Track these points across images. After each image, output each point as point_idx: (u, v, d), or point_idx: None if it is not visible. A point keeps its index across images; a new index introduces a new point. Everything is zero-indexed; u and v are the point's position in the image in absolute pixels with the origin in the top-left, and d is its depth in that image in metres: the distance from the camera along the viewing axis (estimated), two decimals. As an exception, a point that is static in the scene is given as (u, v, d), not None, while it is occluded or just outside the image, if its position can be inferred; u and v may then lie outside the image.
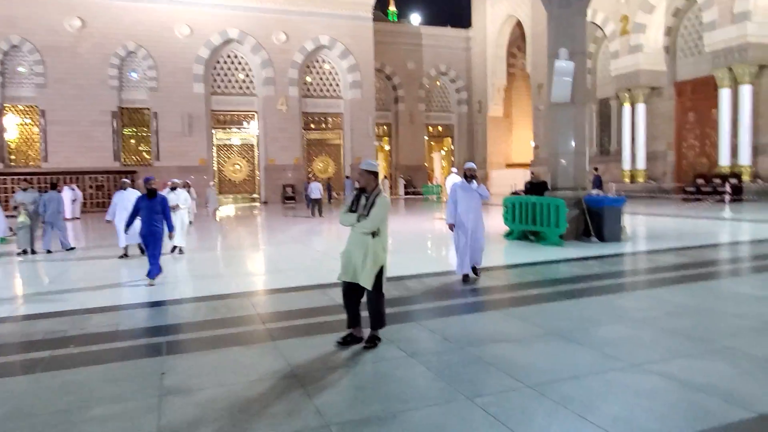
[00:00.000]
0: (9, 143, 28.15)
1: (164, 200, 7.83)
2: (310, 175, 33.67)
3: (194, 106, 30.70)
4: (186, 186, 15.91)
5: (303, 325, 5.34)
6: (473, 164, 7.50)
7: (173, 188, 10.97)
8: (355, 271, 4.48)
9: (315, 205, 21.17)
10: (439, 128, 42.48)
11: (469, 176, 7.23)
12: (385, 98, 39.91)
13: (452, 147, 42.76)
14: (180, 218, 10.54)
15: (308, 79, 33.91)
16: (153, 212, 7.63)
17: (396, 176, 38.46)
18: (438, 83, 41.50)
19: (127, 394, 3.67)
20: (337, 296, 6.26)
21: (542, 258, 8.89)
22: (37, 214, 11.28)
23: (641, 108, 27.35)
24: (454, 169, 17.75)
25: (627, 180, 27.94)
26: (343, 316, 4.77)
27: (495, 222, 12.53)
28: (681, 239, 11.02)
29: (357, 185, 4.61)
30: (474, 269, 7.17)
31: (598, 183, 21.47)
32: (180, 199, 10.75)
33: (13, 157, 28.31)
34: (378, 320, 4.58)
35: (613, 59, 28.26)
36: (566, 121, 11.30)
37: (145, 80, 30.05)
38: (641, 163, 27.62)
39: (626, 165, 28.21)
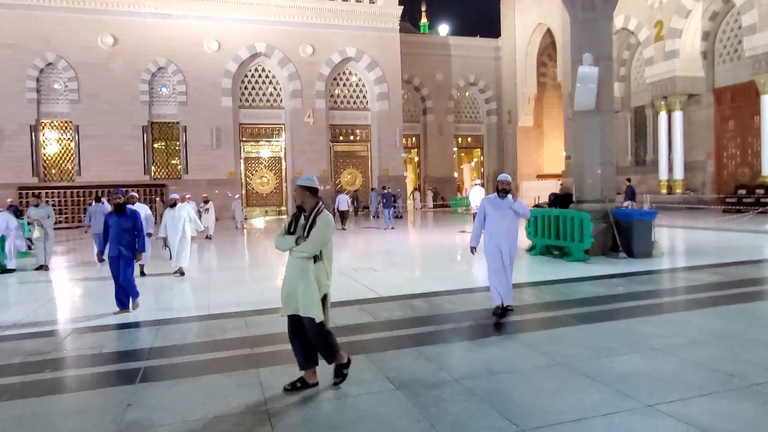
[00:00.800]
0: (45, 158, 28.92)
1: (136, 215, 6.81)
2: (338, 187, 33.57)
3: (222, 120, 31.03)
4: (205, 201, 15.94)
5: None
6: (508, 176, 6.23)
7: (172, 204, 9.95)
8: (297, 302, 3.92)
9: (342, 217, 21.07)
10: (469, 139, 41.93)
11: (501, 190, 6.03)
12: (414, 110, 39.66)
13: (482, 158, 42.13)
14: (181, 236, 9.72)
15: (336, 91, 33.92)
16: (122, 231, 6.60)
17: (425, 188, 38.03)
18: (467, 94, 41.04)
19: (84, 430, 3.38)
20: (340, 317, 5.94)
21: (563, 275, 8.35)
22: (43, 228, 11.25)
23: (678, 116, 26.27)
24: (478, 181, 17.26)
25: (664, 191, 26.81)
26: (345, 338, 4.39)
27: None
28: (719, 255, 10.28)
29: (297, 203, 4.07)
30: (504, 308, 5.90)
31: (630, 194, 20.56)
32: (182, 216, 9.82)
33: (48, 171, 29.05)
34: (329, 353, 3.98)
35: (648, 66, 27.28)
36: (591, 130, 10.73)
37: (174, 95, 30.54)
38: (679, 174, 26.46)
39: (663, 175, 27.09)
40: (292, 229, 4.01)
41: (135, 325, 6.15)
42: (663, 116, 26.92)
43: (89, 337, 5.59)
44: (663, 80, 26.41)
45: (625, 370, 4.10)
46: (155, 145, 30.73)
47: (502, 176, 6.19)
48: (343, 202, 21.69)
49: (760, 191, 20.84)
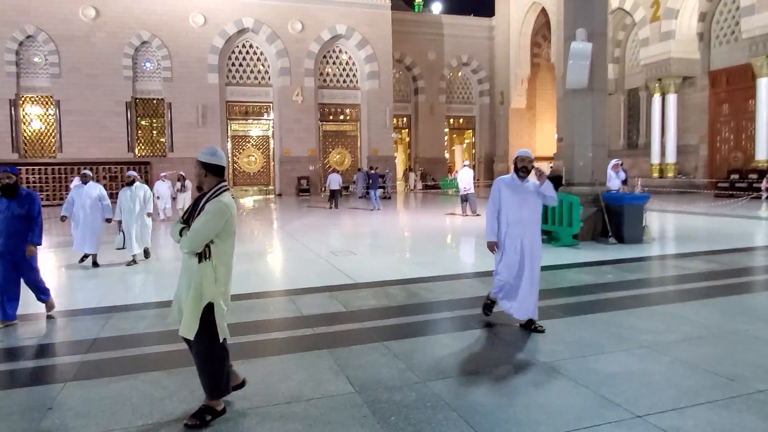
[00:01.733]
0: (25, 134, 28.06)
1: (32, 199, 5.37)
2: (329, 168, 32.98)
3: (208, 97, 30.22)
4: (180, 179, 15.31)
5: (258, 343, 4.53)
6: (529, 152, 4.98)
7: (130, 183, 8.73)
8: (181, 310, 3.18)
9: (333, 196, 21.15)
10: (461, 120, 41.31)
11: (521, 169, 4.79)
12: (405, 89, 38.93)
13: (473, 139, 41.58)
14: (138, 219, 8.66)
15: (328, 70, 33.13)
16: (14, 219, 5.16)
17: (416, 169, 37.52)
18: (459, 74, 40.31)
19: (-11, 439, 2.93)
20: (308, 305, 5.49)
21: (549, 262, 7.92)
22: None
23: (672, 99, 25.82)
24: (467, 162, 16.72)
25: (656, 175, 26.48)
26: (310, 330, 3.93)
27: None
28: (712, 241, 9.91)
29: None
30: (532, 324, 4.70)
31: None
32: (139, 196, 8.72)
33: (28, 147, 28.22)
34: (212, 383, 3.14)
35: (643, 47, 26.73)
36: (583, 110, 10.26)
37: (159, 70, 29.66)
38: (671, 157, 26.11)
39: (655, 159, 26.73)
40: (187, 216, 3.22)
41: (83, 312, 5.66)
42: (657, 99, 26.46)
43: (28, 327, 5.11)
44: (658, 62, 25.89)
45: (612, 371, 3.69)
46: (140, 122, 29.93)
47: (522, 152, 4.94)
48: (335, 181, 21.54)
49: (753, 176, 20.54)
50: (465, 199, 15.88)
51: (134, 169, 27.95)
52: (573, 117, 10.50)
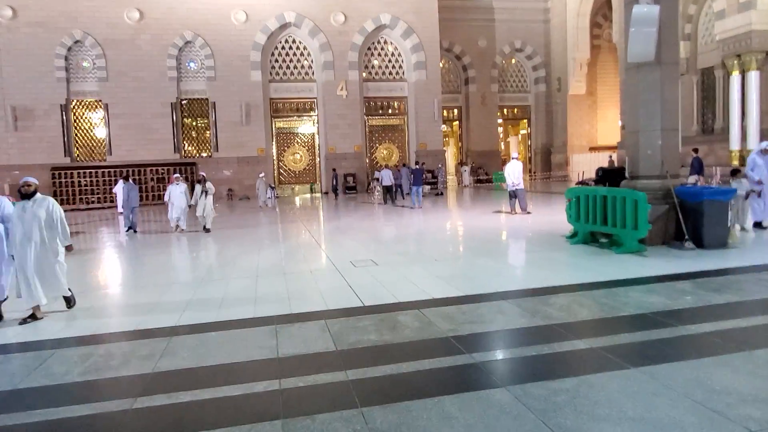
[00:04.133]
0: (76, 138, 28.54)
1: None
2: (377, 164, 31.90)
3: (252, 95, 29.80)
4: (200, 182, 13.80)
5: (181, 407, 3.40)
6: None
7: (27, 194, 5.75)
8: None
9: (387, 192, 20.84)
10: (515, 110, 39.20)
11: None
12: (455, 80, 37.29)
13: (529, 130, 39.37)
14: (40, 250, 5.66)
15: (375, 62, 32.00)
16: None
17: (468, 163, 35.81)
18: (513, 61, 38.22)
19: None
20: (293, 340, 4.28)
21: (608, 275, 6.42)
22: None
23: (754, 76, 22.95)
24: (515, 154, 15.09)
25: (736, 163, 23.67)
26: (269, 385, 2.78)
27: (558, 218, 10.00)
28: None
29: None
30: None
31: (698, 167, 17.83)
32: (39, 216, 5.71)
33: (79, 151, 28.68)
34: None
35: (719, 20, 23.92)
36: (650, 88, 8.56)
37: (203, 70, 29.48)
38: (753, 143, 23.21)
39: (734, 145, 23.91)
40: None
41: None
42: (735, 77, 23.63)
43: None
44: (736, 36, 23.07)
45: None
46: (185, 122, 29.86)
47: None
48: (386, 177, 20.96)
49: None
50: (514, 195, 14.31)
51: (179, 171, 28.11)
52: (637, 97, 8.81)
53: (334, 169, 29.48)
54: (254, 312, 5.52)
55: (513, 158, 14.54)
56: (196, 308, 5.84)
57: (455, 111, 37.71)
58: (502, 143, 40.96)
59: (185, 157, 29.67)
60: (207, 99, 29.58)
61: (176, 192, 13.90)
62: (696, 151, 17.91)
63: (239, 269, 8.13)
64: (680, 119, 9.25)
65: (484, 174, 34.20)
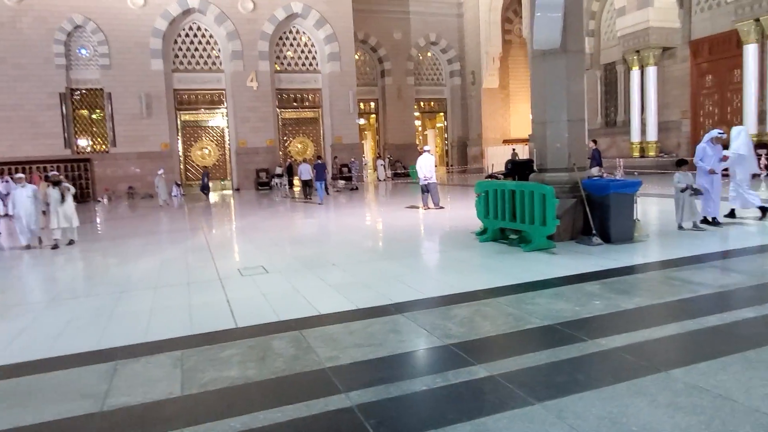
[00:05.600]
0: (-54, 132, 25.22)
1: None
2: (293, 159, 30.62)
3: (153, 85, 27.63)
4: (55, 183, 10.88)
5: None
6: None
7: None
8: None
9: (306, 187, 20.44)
10: (431, 103, 39.20)
11: None
12: (371, 72, 36.66)
13: (445, 123, 39.52)
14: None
15: (288, 53, 30.67)
16: None
17: (384, 156, 35.35)
18: (429, 54, 38.13)
19: None
20: (128, 386, 3.30)
21: (514, 278, 5.93)
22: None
23: (652, 72, 24.01)
24: (427, 147, 14.61)
25: (636, 154, 24.74)
26: None
27: (471, 213, 9.53)
28: (717, 236, 8.02)
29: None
30: None
31: (597, 159, 18.17)
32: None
33: (-50, 147, 25.39)
34: None
35: (620, 17, 24.82)
36: (556, 76, 8.23)
37: (96, 57, 26.95)
38: (652, 135, 24.36)
39: (635, 137, 24.96)
40: None
41: None
42: (635, 72, 24.64)
43: None
44: (635, 32, 24.02)
45: None
46: (78, 115, 27.21)
47: None
48: (305, 171, 20.24)
49: (742, 152, 18.80)
50: (426, 189, 13.83)
51: (70, 168, 25.34)
52: (544, 87, 8.46)
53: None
54: (98, 343, 4.50)
55: (425, 151, 14.03)
56: (26, 341, 4.72)
57: (372, 104, 37.13)
58: (420, 136, 40.92)
59: (78, 153, 27.09)
60: (102, 89, 27.10)
61: (22, 196, 10.69)
62: (595, 142, 18.25)
63: (100, 285, 6.93)
64: (586, 112, 9.04)
65: (401, 168, 33.87)
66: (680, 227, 8.60)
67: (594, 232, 7.73)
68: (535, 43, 7.80)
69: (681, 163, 8.98)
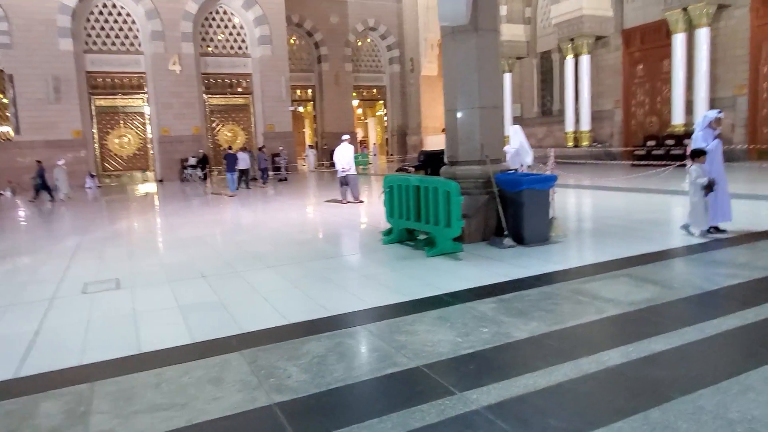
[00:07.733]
0: None
1: None
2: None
3: (62, 67, 25.28)
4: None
5: None
6: None
7: None
8: None
9: (243, 176, 19.20)
10: (374, 91, 38.11)
11: None
12: (307, 58, 35.16)
13: (385, 111, 38.56)
14: None
15: (215, 35, 28.79)
16: None
17: (318, 146, 34.04)
18: (368, 40, 36.96)
19: None
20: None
21: (402, 293, 4.98)
22: None
23: (585, 60, 23.78)
24: (345, 136, 13.51)
25: (570, 144, 24.55)
26: None
27: (381, 210, 8.55)
28: (641, 235, 7.37)
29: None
30: None
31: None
32: None
33: None
34: None
35: (554, 5, 24.42)
36: (467, 58, 7.33)
37: (-6, 35, 24.35)
38: (586, 124, 24.20)
39: (569, 127, 24.76)
40: None
41: None
42: (570, 61, 24.35)
43: None
44: (569, 20, 23.68)
45: None
46: (-28, 99, 24.62)
47: None
48: (243, 160, 19.08)
49: (670, 142, 18.74)
50: (345, 182, 12.79)
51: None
52: (453, 69, 7.55)
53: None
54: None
55: (343, 140, 12.97)
56: None
57: (309, 91, 35.70)
58: (360, 125, 39.83)
59: (-25, 141, 24.51)
60: (2, 71, 24.54)
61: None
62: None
63: None
64: (521, 102, 8.23)
65: (338, 157, 32.67)
66: (709, 231, 6.83)
67: (506, 232, 6.91)
68: (439, 17, 6.85)
69: (698, 154, 6.73)
